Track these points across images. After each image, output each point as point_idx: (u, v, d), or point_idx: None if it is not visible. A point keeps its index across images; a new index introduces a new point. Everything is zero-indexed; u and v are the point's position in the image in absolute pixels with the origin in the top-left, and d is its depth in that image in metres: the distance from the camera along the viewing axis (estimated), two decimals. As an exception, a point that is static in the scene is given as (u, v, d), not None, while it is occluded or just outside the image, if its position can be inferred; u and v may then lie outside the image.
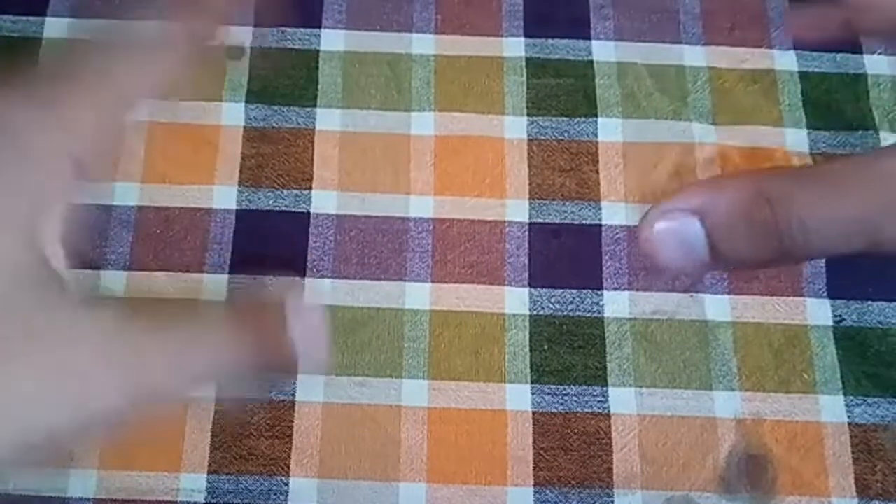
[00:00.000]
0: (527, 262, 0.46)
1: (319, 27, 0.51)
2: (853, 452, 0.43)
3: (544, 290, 0.46)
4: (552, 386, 0.44)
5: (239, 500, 0.42)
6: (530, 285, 0.46)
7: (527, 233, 0.47)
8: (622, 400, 0.44)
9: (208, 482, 0.42)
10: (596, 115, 0.49)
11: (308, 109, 0.49)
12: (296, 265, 0.46)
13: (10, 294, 0.18)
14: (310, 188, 0.47)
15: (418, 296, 0.45)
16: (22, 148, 0.19)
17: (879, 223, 0.19)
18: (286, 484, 0.42)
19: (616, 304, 0.46)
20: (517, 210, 0.47)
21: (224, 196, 0.47)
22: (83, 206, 0.21)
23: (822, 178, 0.20)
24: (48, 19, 0.50)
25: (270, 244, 0.46)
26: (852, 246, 0.19)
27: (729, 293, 0.46)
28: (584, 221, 0.47)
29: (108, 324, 0.19)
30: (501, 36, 0.51)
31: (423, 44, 0.51)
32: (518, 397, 0.44)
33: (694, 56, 0.51)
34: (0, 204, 0.19)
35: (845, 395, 0.44)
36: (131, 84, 0.22)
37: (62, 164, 0.20)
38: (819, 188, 0.20)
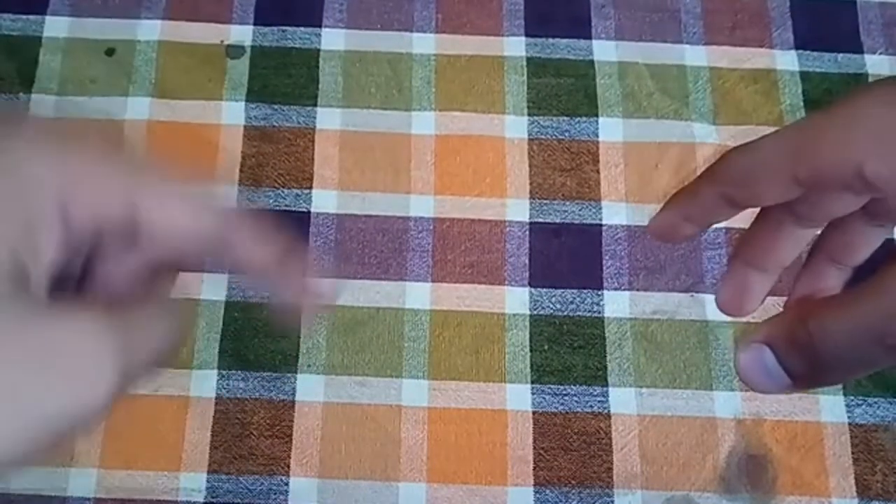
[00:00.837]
0: (527, 261, 0.46)
1: (320, 26, 0.51)
2: (853, 452, 0.43)
3: (544, 289, 0.46)
4: (552, 386, 0.44)
5: (239, 500, 0.42)
6: (531, 285, 0.46)
7: (527, 232, 0.47)
8: (622, 400, 0.44)
9: (208, 482, 0.42)
10: (597, 115, 0.49)
11: (308, 108, 0.49)
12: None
13: None
14: (310, 187, 0.47)
15: (418, 295, 0.45)
16: (22, 178, 0.20)
17: (886, 329, 0.21)
18: (286, 484, 0.42)
19: (616, 304, 0.46)
20: (518, 210, 0.47)
21: (224, 195, 0.47)
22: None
23: (845, 294, 0.23)
24: (48, 18, 0.50)
25: (270, 243, 0.46)
26: (871, 353, 0.22)
27: (729, 293, 0.46)
28: (584, 221, 0.47)
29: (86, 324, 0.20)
30: (502, 35, 0.51)
31: (423, 43, 0.51)
32: (518, 397, 0.44)
33: (695, 56, 0.51)
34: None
35: (845, 395, 0.44)
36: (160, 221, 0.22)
37: (53, 208, 0.21)
38: (839, 303, 0.23)
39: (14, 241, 0.20)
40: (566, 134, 0.49)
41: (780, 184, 0.24)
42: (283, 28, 0.51)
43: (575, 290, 0.46)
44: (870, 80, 0.50)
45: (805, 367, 0.23)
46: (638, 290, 0.46)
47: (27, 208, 0.20)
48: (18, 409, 0.18)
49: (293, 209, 0.47)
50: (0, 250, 0.19)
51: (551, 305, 0.46)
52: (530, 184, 0.48)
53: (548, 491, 0.43)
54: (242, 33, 0.51)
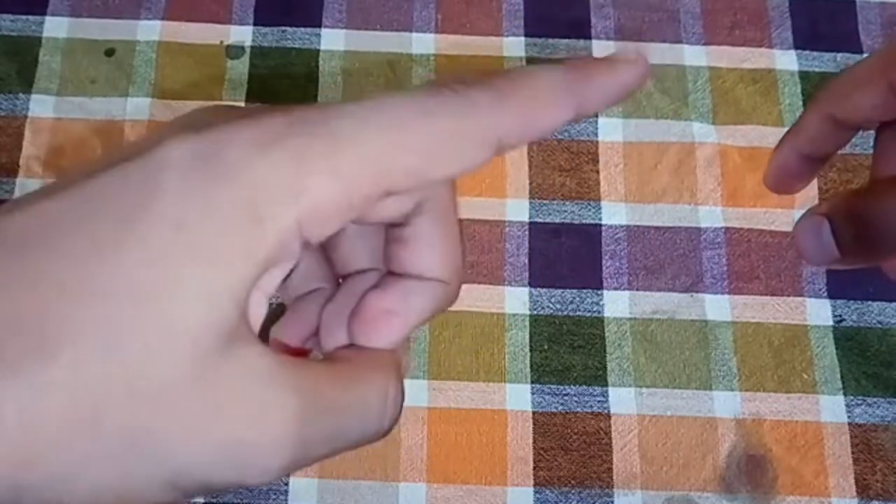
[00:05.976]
0: (527, 261, 0.46)
1: (319, 26, 0.51)
2: (853, 452, 0.43)
3: (544, 289, 0.46)
4: (552, 386, 0.44)
5: (239, 500, 0.42)
6: (530, 285, 0.46)
7: (527, 232, 0.47)
8: (622, 400, 0.44)
9: (208, 482, 0.42)
10: (596, 115, 0.49)
11: (308, 109, 0.49)
12: (296, 265, 0.46)
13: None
14: (310, 188, 0.47)
15: (418, 295, 0.45)
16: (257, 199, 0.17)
17: None
18: (286, 484, 0.42)
19: (616, 303, 0.46)
20: (517, 210, 0.47)
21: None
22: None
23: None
24: (48, 18, 0.50)
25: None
26: None
27: (729, 293, 0.46)
28: (584, 221, 0.47)
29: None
30: (502, 35, 0.51)
31: (423, 43, 0.51)
32: (518, 397, 0.44)
33: (694, 56, 0.51)
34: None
35: (845, 395, 0.44)
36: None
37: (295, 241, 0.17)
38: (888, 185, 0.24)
39: (243, 279, 0.16)
40: (565, 134, 0.49)
41: (876, 92, 0.25)
42: (283, 28, 0.51)
43: (575, 290, 0.46)
44: (869, 79, 0.50)
45: (855, 240, 0.24)
46: (638, 290, 0.46)
47: (263, 241, 0.17)
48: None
49: (293, 209, 0.47)
50: (223, 300, 0.16)
51: (551, 305, 0.46)
52: (530, 184, 0.48)
53: (548, 491, 0.43)
54: (242, 33, 0.51)
